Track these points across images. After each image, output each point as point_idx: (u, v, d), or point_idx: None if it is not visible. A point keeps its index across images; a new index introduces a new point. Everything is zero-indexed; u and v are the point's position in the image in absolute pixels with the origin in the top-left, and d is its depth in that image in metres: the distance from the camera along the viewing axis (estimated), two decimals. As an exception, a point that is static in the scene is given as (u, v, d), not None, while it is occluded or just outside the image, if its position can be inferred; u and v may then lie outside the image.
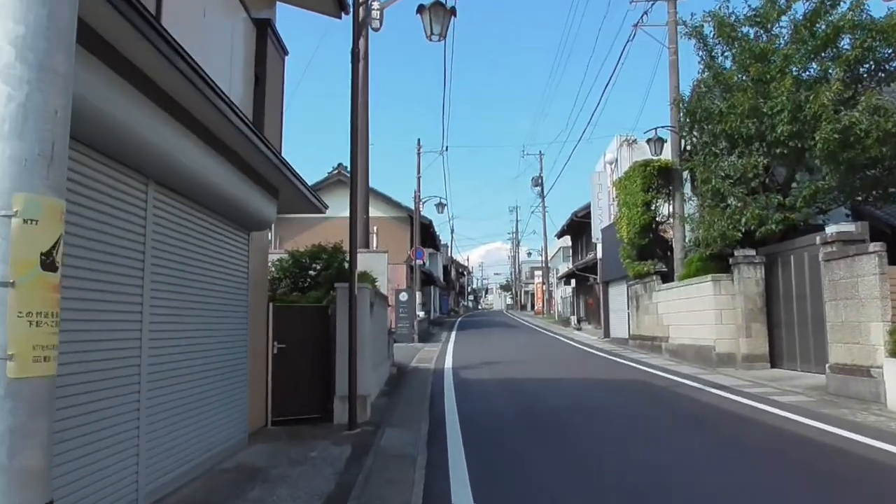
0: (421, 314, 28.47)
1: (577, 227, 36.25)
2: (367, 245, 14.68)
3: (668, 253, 18.97)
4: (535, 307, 65.12)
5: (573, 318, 37.51)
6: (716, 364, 14.04)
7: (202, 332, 6.02)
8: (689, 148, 16.31)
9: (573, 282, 41.14)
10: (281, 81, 8.95)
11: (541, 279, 58.00)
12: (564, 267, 50.31)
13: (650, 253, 19.14)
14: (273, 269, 10.95)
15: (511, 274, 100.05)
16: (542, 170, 52.37)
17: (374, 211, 33.64)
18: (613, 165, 26.53)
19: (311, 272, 11.01)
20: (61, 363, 2.19)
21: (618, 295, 23.89)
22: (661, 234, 18.91)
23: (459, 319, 51.39)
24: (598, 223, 27.21)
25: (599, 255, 28.80)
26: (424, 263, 34.05)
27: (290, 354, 8.76)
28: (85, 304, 3.98)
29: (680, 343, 16.37)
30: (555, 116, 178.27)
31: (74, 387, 3.80)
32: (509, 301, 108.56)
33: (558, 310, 49.64)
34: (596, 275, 31.32)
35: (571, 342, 24.25)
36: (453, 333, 30.09)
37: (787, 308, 12.99)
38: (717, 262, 15.24)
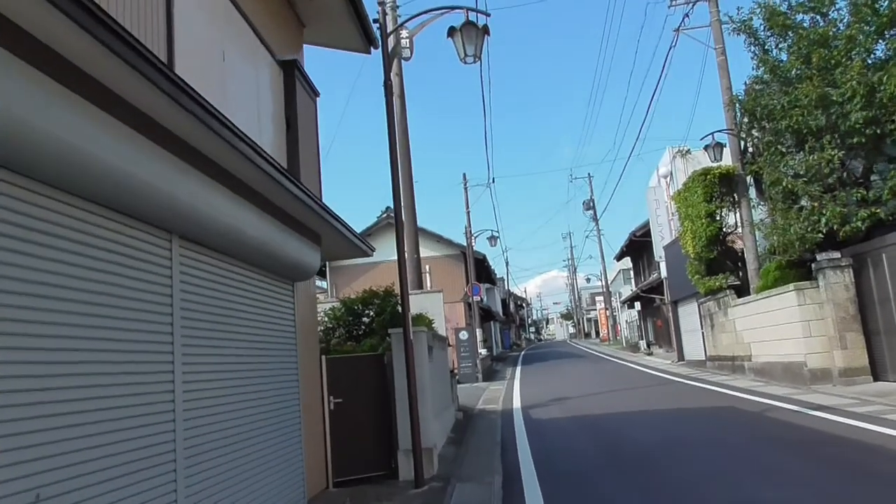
0: (483, 352, 27.67)
1: (637, 246, 35.01)
2: (420, 286, 14.17)
3: (740, 265, 17.79)
4: (601, 334, 63.23)
5: (642, 343, 35.97)
6: (809, 381, 12.79)
7: (245, 391, 5.53)
8: (750, 150, 15.30)
9: (638, 304, 39.63)
10: (314, 123, 8.61)
11: (603, 305, 56.36)
12: (626, 290, 48.74)
13: (720, 266, 17.99)
14: (326, 318, 10.55)
15: (570, 301, 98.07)
16: (592, 192, 51.44)
17: (426, 251, 33.32)
18: (668, 179, 25.48)
19: (365, 319, 10.56)
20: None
21: (689, 314, 22.61)
22: (730, 245, 17.77)
23: (523, 353, 50.19)
24: (659, 240, 26.07)
25: (664, 273, 27.56)
26: (482, 299, 33.34)
27: (347, 409, 8.21)
28: (107, 373, 3.52)
29: (765, 361, 15.12)
30: (600, 136, 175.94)
31: (106, 468, 3.30)
32: (571, 330, 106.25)
33: (625, 335, 47.92)
34: (661, 295, 29.99)
35: (644, 368, 22.99)
36: (518, 369, 29.12)
37: (886, 312, 11.74)
38: (796, 270, 14.08)
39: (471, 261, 28.84)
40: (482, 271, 34.74)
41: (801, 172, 12.54)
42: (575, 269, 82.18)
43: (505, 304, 59.79)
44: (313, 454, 7.59)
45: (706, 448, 7.93)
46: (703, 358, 20.76)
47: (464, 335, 23.85)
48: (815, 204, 12.58)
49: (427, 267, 17.14)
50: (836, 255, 12.59)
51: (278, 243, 6.18)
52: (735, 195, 16.83)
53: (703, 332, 20.58)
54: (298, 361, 7.10)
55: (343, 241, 8.02)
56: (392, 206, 21.31)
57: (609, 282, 54.40)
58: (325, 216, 6.91)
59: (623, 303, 44.96)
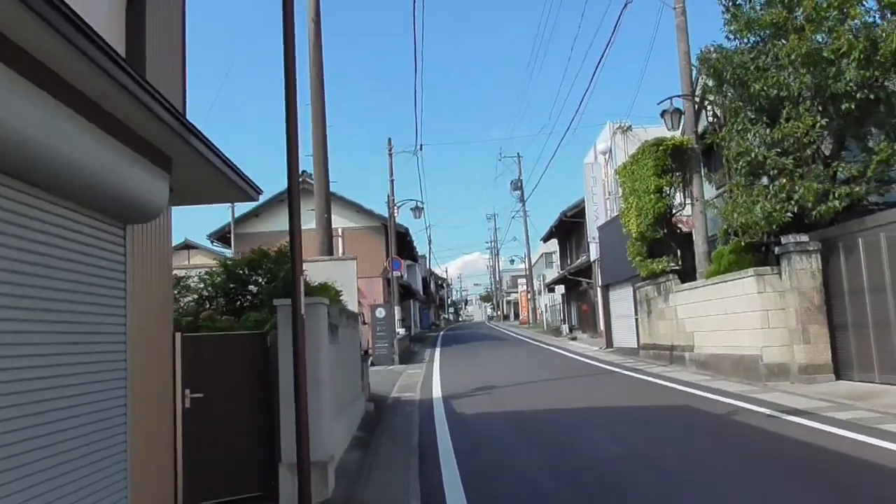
0: (401, 331, 25.62)
1: (566, 228, 33.76)
2: (330, 252, 11.88)
3: (682, 249, 16.42)
4: (521, 317, 62.53)
5: (564, 327, 34.95)
6: (764, 377, 11.42)
7: (21, 385, 3.21)
8: (710, 120, 13.78)
9: (562, 288, 38.62)
10: (181, 9, 6.17)
11: (525, 287, 55.46)
12: (549, 274, 47.87)
13: (663, 249, 16.57)
14: (202, 285, 8.19)
15: (491, 284, 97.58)
16: (520, 172, 50.03)
17: (344, 221, 30.77)
18: (607, 156, 24.06)
19: (253, 287, 8.27)
20: None
21: (621, 299, 21.31)
22: (676, 226, 16.36)
23: (442, 334, 48.52)
24: (594, 220, 24.68)
25: (594, 255, 26.28)
26: (402, 275, 31.23)
27: (211, 406, 5.94)
28: None
29: (710, 353, 13.76)
30: (536, 111, 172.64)
31: None
32: (490, 312, 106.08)
33: (546, 319, 47.09)
34: (589, 279, 28.82)
35: (572, 354, 21.57)
36: (437, 351, 27.26)
37: (856, 305, 10.44)
38: (753, 255, 12.72)
39: (392, 233, 26.63)
40: (404, 246, 32.60)
41: (776, 141, 11.03)
42: (498, 251, 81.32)
43: (426, 282, 57.95)
44: (154, 469, 5.30)
45: (687, 470, 6.14)
46: (636, 346, 19.47)
47: (381, 313, 21.70)
48: (785, 180, 11.12)
49: (340, 230, 14.77)
50: (804, 238, 11.20)
51: (93, 160, 3.82)
52: (686, 171, 15.37)
53: (636, 319, 19.25)
54: (128, 338, 4.75)
55: (210, 172, 5.67)
56: (309, 172, 18.64)
57: (531, 265, 53.46)
58: (177, 127, 4.56)
59: (547, 286, 43.98)
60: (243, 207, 52.60)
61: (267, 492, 6.05)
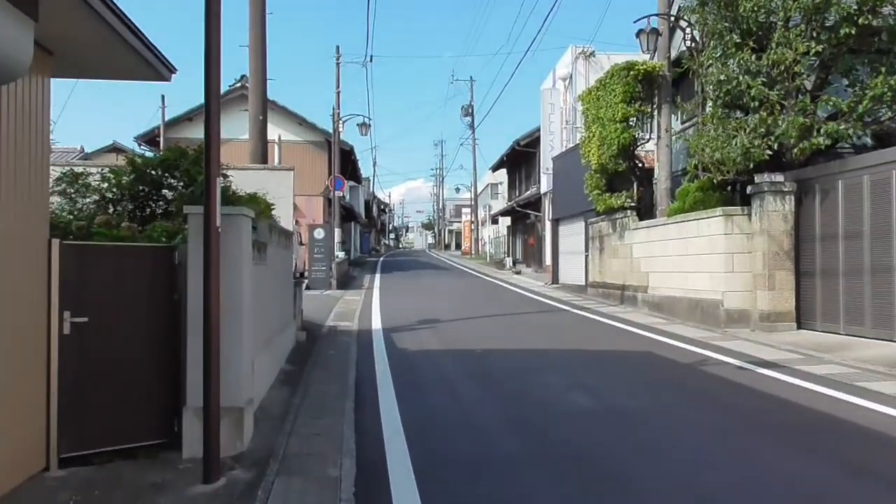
0: (340, 255, 24.41)
1: (518, 158, 32.70)
2: (264, 160, 10.43)
3: (643, 185, 15.65)
4: (463, 247, 61.99)
5: (508, 260, 34.41)
6: (723, 323, 10.89)
7: None
8: (689, 44, 12.70)
9: (508, 220, 37.90)
10: None
11: (469, 217, 54.66)
12: (495, 205, 47.09)
13: (623, 184, 15.76)
14: (105, 185, 6.79)
15: (434, 212, 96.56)
16: (472, 97, 48.33)
17: (285, 133, 28.67)
18: (567, 82, 22.87)
19: (168, 192, 6.92)
20: None
21: (572, 234, 20.62)
22: (637, 161, 15.49)
23: (382, 259, 47.48)
24: (549, 150, 23.67)
25: (545, 188, 25.44)
26: (345, 196, 29.74)
27: (98, 335, 4.73)
28: None
29: (665, 295, 13.18)
30: (496, 28, 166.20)
31: None
32: (431, 240, 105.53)
33: (489, 251, 46.58)
34: (538, 211, 28.08)
35: (517, 289, 20.92)
36: (377, 277, 26.24)
37: (828, 251, 9.86)
38: (720, 193, 11.98)
39: (336, 149, 24.96)
40: (348, 165, 30.94)
41: (762, 69, 10.08)
42: (443, 178, 79.90)
43: (368, 206, 56.38)
44: (16, 411, 4.13)
45: (668, 431, 5.34)
46: (583, 283, 18.93)
47: (319, 234, 20.38)
48: (765, 113, 10.24)
49: (278, 140, 13.21)
50: (780, 178, 10.47)
51: None
52: (655, 100, 14.39)
53: (587, 256, 18.63)
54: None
55: (101, 30, 4.25)
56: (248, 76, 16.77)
57: (477, 194, 52.48)
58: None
59: (493, 217, 43.21)
60: (175, 110, 48.46)
61: (169, 439, 4.96)
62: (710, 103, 12.18)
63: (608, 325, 11.85)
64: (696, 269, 11.90)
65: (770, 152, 10.24)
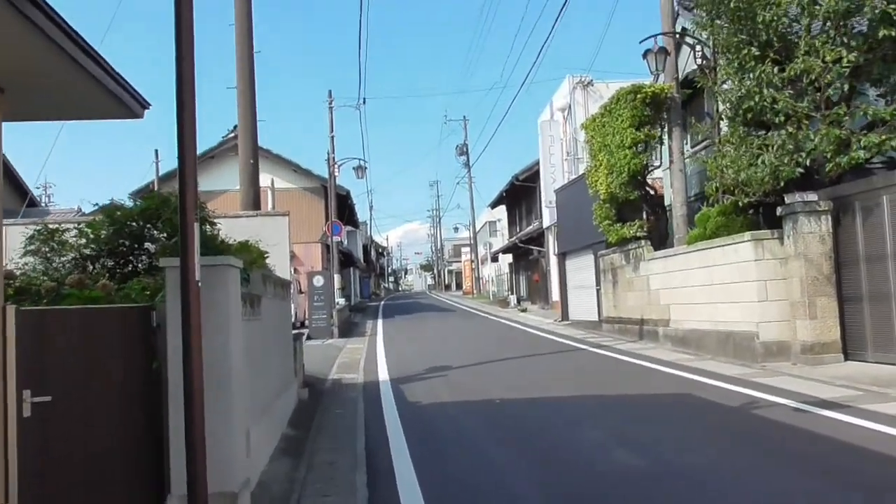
0: (341, 301, 23.54)
1: (517, 193, 32.13)
2: (256, 206, 9.68)
3: (655, 214, 14.93)
4: (464, 287, 61.12)
5: (512, 298, 33.54)
6: (760, 357, 10.00)
7: None
8: (700, 61, 12.11)
9: (510, 257, 37.17)
10: None
11: (469, 256, 53.93)
12: (495, 243, 46.47)
13: (634, 213, 15.02)
14: (83, 240, 6.04)
15: (432, 252, 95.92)
16: (466, 135, 48.25)
17: (280, 181, 28.07)
18: (566, 113, 22.38)
19: (151, 245, 6.17)
20: None
21: (579, 269, 19.82)
22: (650, 187, 14.80)
23: (383, 303, 46.56)
24: (550, 182, 23.04)
25: (548, 222, 24.76)
26: (342, 241, 29.01)
27: (65, 415, 3.90)
28: None
29: (690, 328, 12.31)
30: (489, 65, 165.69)
31: None
32: (430, 281, 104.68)
33: (491, 289, 45.73)
34: (541, 246, 27.35)
35: (525, 328, 20.02)
36: (380, 322, 25.31)
37: (876, 273, 9.04)
38: (745, 217, 11.24)
39: (332, 194, 24.33)
40: (345, 209, 30.32)
41: (787, 82, 9.44)
42: (440, 218, 79.48)
43: (366, 250, 55.74)
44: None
45: (748, 497, 4.44)
46: (596, 319, 18.05)
47: (319, 281, 19.56)
48: (791, 129, 9.55)
49: (271, 180, 12.47)
50: (813, 196, 9.72)
51: None
52: (663, 124, 13.77)
53: (598, 290, 17.79)
54: None
55: (59, 61, 3.49)
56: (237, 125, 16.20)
57: (475, 232, 51.88)
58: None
59: (494, 254, 42.46)
60: (169, 164, 48.39)
61: (148, 537, 4.07)
62: (725, 122, 11.56)
63: (632, 365, 10.95)
64: (725, 299, 11.06)
65: (801, 170, 9.52)
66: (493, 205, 39.73)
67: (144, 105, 4.67)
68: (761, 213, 11.32)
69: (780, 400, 7.26)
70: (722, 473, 4.91)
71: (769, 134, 9.96)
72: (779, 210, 10.03)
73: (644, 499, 4.41)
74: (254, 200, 9.46)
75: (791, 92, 9.42)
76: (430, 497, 4.64)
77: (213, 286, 4.08)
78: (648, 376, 9.72)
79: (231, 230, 7.83)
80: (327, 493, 4.88)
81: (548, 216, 24.68)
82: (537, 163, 26.93)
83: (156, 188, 27.17)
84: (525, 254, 31.22)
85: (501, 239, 46.27)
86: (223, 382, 4.13)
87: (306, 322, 19.87)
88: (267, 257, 7.23)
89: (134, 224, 6.10)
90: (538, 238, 27.56)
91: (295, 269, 24.40)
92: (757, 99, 9.81)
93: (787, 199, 9.85)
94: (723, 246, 11.01)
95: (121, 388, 4.11)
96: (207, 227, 6.03)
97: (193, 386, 3.62)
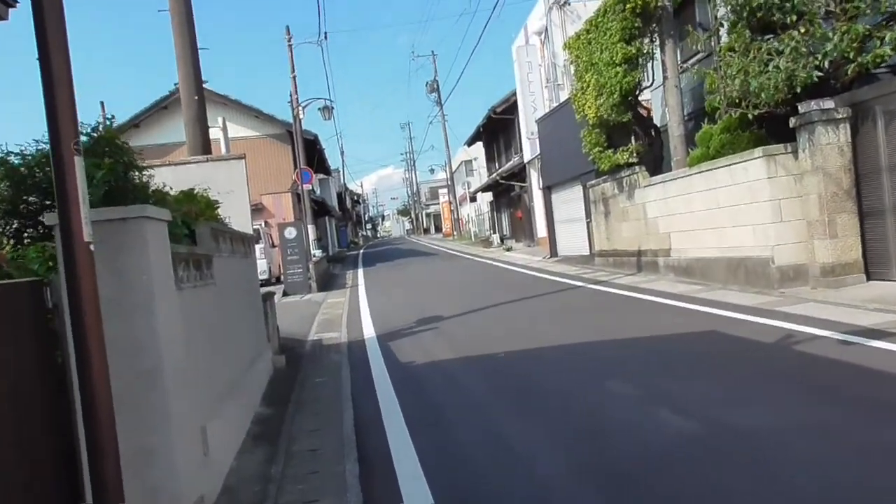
0: (317, 253, 22.46)
1: (494, 127, 30.81)
2: (206, 150, 8.43)
3: (649, 136, 13.88)
4: (444, 229, 60.12)
5: (495, 237, 32.65)
6: (777, 283, 9.21)
7: None
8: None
9: (489, 195, 36.08)
10: None
11: (447, 197, 52.73)
12: (473, 181, 45.28)
13: (625, 137, 13.97)
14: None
15: (408, 196, 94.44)
16: (436, 71, 46.22)
17: (243, 129, 26.45)
18: (543, 36, 20.96)
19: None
20: None
21: (568, 201, 18.85)
22: (642, 109, 13.69)
23: (362, 252, 45.50)
24: (531, 113, 21.78)
25: (529, 155, 23.63)
26: (314, 189, 27.69)
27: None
28: None
29: (694, 257, 11.47)
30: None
31: None
32: (409, 226, 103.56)
33: (472, 229, 44.80)
34: (523, 182, 26.29)
35: (515, 268, 19.16)
36: (360, 272, 24.31)
37: (905, 184, 8.17)
38: (751, 133, 10.23)
39: (299, 138, 22.87)
40: (314, 156, 28.83)
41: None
42: (414, 160, 77.71)
43: (341, 198, 54.26)
44: None
45: (855, 465, 3.58)
46: (588, 253, 17.22)
47: (291, 233, 18.37)
48: (805, 28, 8.47)
49: (222, 119, 11.13)
50: (830, 104, 8.72)
51: None
52: (654, 36, 12.58)
53: (589, 222, 16.88)
54: None
55: None
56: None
57: (452, 172, 50.47)
58: None
59: (474, 193, 41.33)
60: (119, 116, 45.42)
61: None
62: (725, 29, 10.41)
63: (639, 301, 10.10)
64: (734, 223, 10.17)
65: (819, 73, 8.49)
66: (470, 142, 38.34)
67: (9, 3, 3.49)
68: (767, 129, 10.33)
69: (818, 331, 6.44)
70: (782, 428, 4.04)
71: (781, 36, 8.84)
72: (792, 121, 9.04)
73: (714, 475, 3.53)
74: (202, 143, 8.21)
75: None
76: (437, 487, 3.74)
77: (122, 248, 3.02)
78: (661, 312, 8.88)
79: (178, 181, 6.69)
80: (311, 496, 3.95)
81: (528, 149, 23.52)
82: (514, 94, 25.57)
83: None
84: (506, 191, 30.15)
85: (479, 178, 45.05)
86: (151, 379, 3.11)
87: (281, 278, 18.82)
88: (218, 207, 6.12)
89: (36, 174, 4.91)
90: (519, 173, 26.46)
91: (265, 222, 23.15)
92: (769, -5, 8.66)
93: (802, 107, 8.85)
94: (730, 165, 10.05)
95: (9, 390, 3.07)
96: (136, 174, 4.88)
97: (95, 391, 2.60)
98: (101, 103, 30.09)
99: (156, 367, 3.20)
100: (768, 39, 9.20)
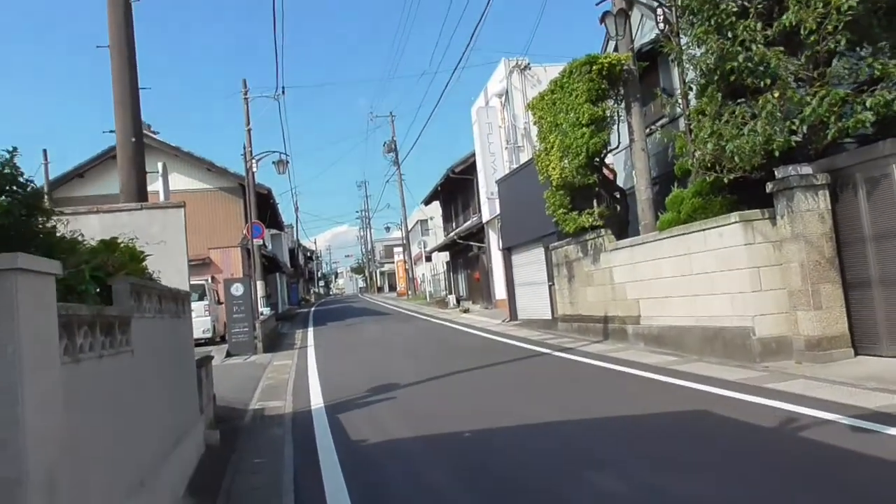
0: (265, 311, 21.28)
1: (452, 187, 30.53)
2: (141, 196, 7.54)
3: (614, 199, 13.55)
4: (398, 288, 59.13)
5: (451, 298, 31.91)
6: (759, 356, 8.67)
7: None
8: (662, 27, 10.73)
9: (446, 255, 35.53)
10: None
11: (402, 256, 52.01)
12: (429, 241, 44.80)
13: (588, 200, 13.60)
14: None
15: (363, 254, 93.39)
16: (394, 132, 46.27)
17: (193, 181, 25.46)
18: (503, 98, 20.88)
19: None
20: None
21: (529, 263, 18.33)
22: (609, 171, 13.38)
23: (313, 310, 44.04)
24: (490, 174, 21.48)
25: (487, 216, 23.29)
26: (265, 244, 26.61)
27: None
28: None
29: (666, 325, 10.93)
30: (417, 52, 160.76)
31: None
32: (362, 284, 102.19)
33: (427, 289, 44.02)
34: (481, 242, 25.83)
35: (473, 331, 18.38)
36: (310, 332, 23.13)
37: (889, 253, 7.82)
38: (723, 197, 9.93)
39: (251, 192, 21.98)
40: (267, 210, 27.88)
41: (774, 39, 8.13)
42: (370, 219, 77.17)
43: (293, 254, 52.98)
44: None
45: None
46: (549, 317, 16.60)
47: (238, 289, 17.29)
48: (780, 92, 8.23)
49: (162, 164, 10.22)
50: (808, 169, 8.44)
51: None
52: (619, 99, 12.38)
53: (551, 286, 16.34)
54: None
55: None
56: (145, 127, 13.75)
57: (408, 231, 49.97)
58: None
59: (430, 252, 40.74)
60: (62, 166, 43.79)
61: None
62: (693, 93, 10.23)
63: (613, 372, 9.42)
64: (709, 290, 9.70)
65: (797, 138, 8.22)
66: (427, 200, 37.97)
67: None
68: (738, 194, 10.04)
69: (822, 414, 5.82)
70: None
71: (757, 100, 8.60)
72: (769, 186, 8.72)
73: None
74: (137, 189, 7.31)
75: (781, 50, 8.06)
76: None
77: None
78: (639, 386, 8.20)
79: (106, 230, 5.81)
80: None
81: (487, 209, 23.15)
82: (473, 155, 25.39)
83: (45, 195, 24.03)
84: (464, 251, 29.64)
85: (434, 238, 44.63)
86: (8, 493, 2.20)
87: (227, 336, 17.58)
88: (144, 260, 5.22)
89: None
90: (478, 234, 26.02)
91: (212, 278, 21.93)
92: (741, 59, 8.43)
93: (779, 172, 8.55)
94: (704, 230, 9.65)
95: None
96: (41, 218, 4.02)
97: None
98: (44, 151, 28.72)
99: (18, 477, 2.30)
100: (741, 103, 8.97)
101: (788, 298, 8.63)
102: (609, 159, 14.54)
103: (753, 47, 8.21)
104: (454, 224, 33.56)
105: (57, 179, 25.81)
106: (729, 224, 9.12)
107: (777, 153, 8.26)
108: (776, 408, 6.23)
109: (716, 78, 9.14)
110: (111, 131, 8.41)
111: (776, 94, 8.30)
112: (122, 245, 5.07)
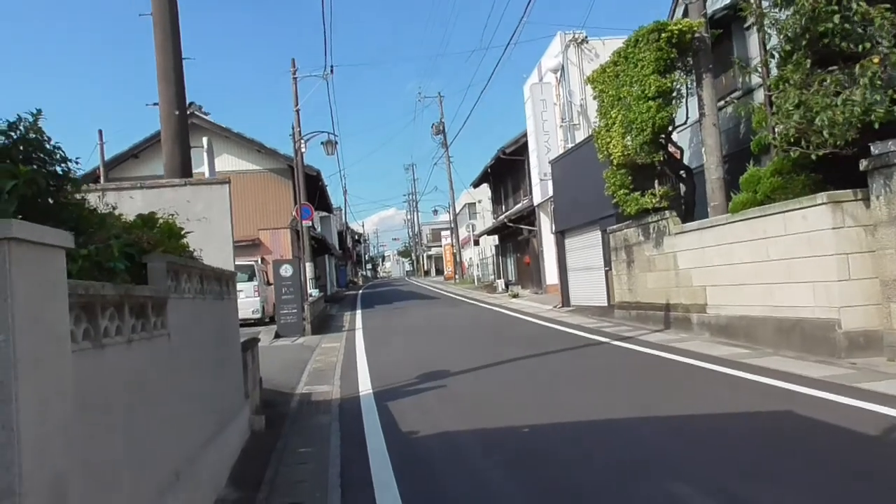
0: (314, 292, 21.14)
1: (502, 169, 29.84)
2: (185, 171, 7.24)
3: (680, 179, 12.75)
4: (445, 272, 58.84)
5: (500, 283, 31.34)
6: (844, 351, 7.90)
7: None
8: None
9: (495, 239, 34.93)
10: None
11: (450, 240, 51.61)
12: (477, 224, 44.24)
13: (651, 180, 12.84)
14: None
15: (410, 237, 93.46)
16: (442, 114, 45.68)
17: (243, 163, 25.56)
18: (559, 74, 20.07)
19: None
20: None
21: (583, 247, 17.63)
22: (674, 150, 12.57)
23: (361, 292, 44.14)
24: (543, 154, 20.75)
25: (539, 198, 22.58)
26: (314, 226, 26.53)
27: None
28: None
29: (735, 315, 10.18)
30: (466, 31, 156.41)
31: None
32: (409, 267, 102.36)
33: (475, 273, 43.53)
34: (532, 226, 25.16)
35: (524, 316, 17.81)
36: (359, 314, 22.95)
37: None
38: (806, 176, 9.08)
39: (300, 174, 21.80)
40: (316, 192, 27.78)
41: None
42: (417, 201, 76.95)
43: (342, 236, 53.20)
44: None
45: None
46: (605, 304, 15.93)
47: (287, 270, 17.12)
48: (878, 59, 7.37)
49: (206, 140, 9.94)
50: (912, 145, 7.56)
51: None
52: (689, 70, 11.55)
53: (608, 271, 15.64)
54: None
55: None
56: (198, 104, 13.53)
57: (455, 214, 49.48)
58: None
59: (479, 235, 40.20)
60: (117, 147, 44.83)
61: None
62: (774, 61, 9.36)
63: (678, 364, 8.76)
64: (788, 278, 8.91)
65: (907, 109, 7.36)
66: (476, 183, 37.36)
67: None
68: (823, 173, 9.18)
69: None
70: None
71: (852, 67, 7.74)
72: (863, 163, 7.86)
73: None
74: (181, 165, 7.02)
75: (889, 5, 7.20)
76: None
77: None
78: (709, 381, 7.54)
79: (149, 206, 5.51)
80: None
81: (539, 191, 22.45)
82: (525, 134, 24.65)
83: (101, 175, 24.40)
84: (513, 234, 28.99)
85: (482, 221, 44.04)
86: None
87: (276, 317, 17.48)
88: (185, 237, 4.86)
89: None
90: (528, 217, 25.35)
91: (262, 259, 21.91)
92: (836, 20, 7.59)
93: (876, 148, 7.69)
94: (785, 212, 8.84)
95: None
96: (69, 188, 3.66)
97: None
98: (100, 131, 29.24)
99: (10, 487, 1.90)
100: (832, 71, 8.11)
101: (881, 289, 7.79)
102: (674, 136, 13.74)
103: (854, 5, 7.36)
104: (503, 207, 32.89)
105: (112, 160, 26.18)
106: (815, 205, 8.31)
107: (877, 125, 7.42)
108: (870, 411, 5.53)
109: (804, 43, 8.31)
110: (155, 104, 8.12)
111: (876, 60, 7.46)
112: (160, 221, 4.73)
